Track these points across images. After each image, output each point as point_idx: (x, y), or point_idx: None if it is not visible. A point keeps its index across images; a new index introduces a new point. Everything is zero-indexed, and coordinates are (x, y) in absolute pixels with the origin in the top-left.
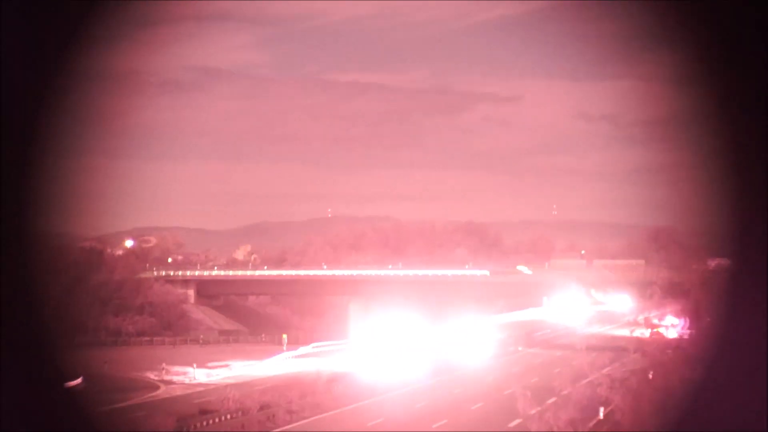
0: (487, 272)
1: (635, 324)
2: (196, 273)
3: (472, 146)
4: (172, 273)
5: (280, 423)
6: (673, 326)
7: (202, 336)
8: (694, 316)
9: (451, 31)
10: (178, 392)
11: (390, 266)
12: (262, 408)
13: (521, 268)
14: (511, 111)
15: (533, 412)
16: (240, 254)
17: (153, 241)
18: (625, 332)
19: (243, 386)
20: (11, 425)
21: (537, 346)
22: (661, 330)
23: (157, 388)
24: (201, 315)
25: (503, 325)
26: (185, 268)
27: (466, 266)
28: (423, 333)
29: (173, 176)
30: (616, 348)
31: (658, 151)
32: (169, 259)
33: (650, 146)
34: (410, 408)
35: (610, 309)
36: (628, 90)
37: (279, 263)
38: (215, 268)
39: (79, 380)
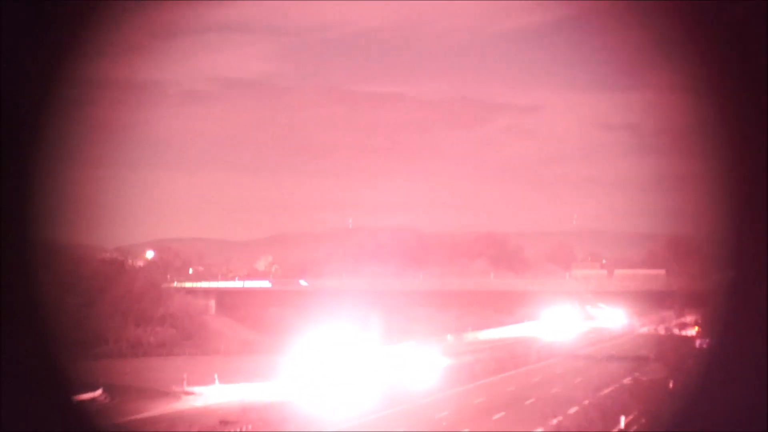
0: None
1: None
2: (217, 284)
3: (492, 156)
4: (192, 284)
5: None
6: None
7: (222, 347)
8: (713, 324)
9: (471, 41)
10: (199, 403)
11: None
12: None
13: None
14: (531, 121)
15: (554, 421)
16: (261, 265)
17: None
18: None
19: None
20: None
21: (556, 357)
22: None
23: (179, 398)
24: (222, 326)
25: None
26: (206, 279)
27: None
28: (436, 342)
29: (194, 187)
30: (636, 358)
31: (678, 160)
32: (190, 270)
33: (671, 155)
34: (431, 418)
35: (603, 325)
36: (650, 99)
37: (300, 274)
38: (236, 278)
39: (99, 391)
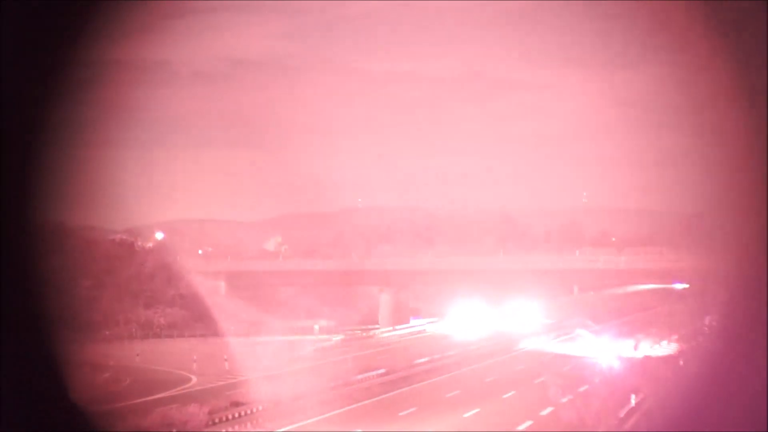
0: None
1: None
2: (227, 265)
3: (503, 134)
4: (202, 265)
5: (312, 414)
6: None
7: (233, 328)
8: (726, 303)
9: (482, 17)
10: (210, 384)
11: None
12: (295, 398)
13: None
14: (542, 98)
15: (565, 399)
16: (270, 245)
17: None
18: None
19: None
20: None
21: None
22: None
23: (189, 380)
24: (232, 307)
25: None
26: (216, 260)
27: None
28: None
29: (203, 167)
30: (646, 336)
31: (687, 138)
32: (200, 251)
33: (681, 132)
34: (440, 396)
35: (511, 328)
36: (660, 77)
37: (309, 254)
38: (245, 259)
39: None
